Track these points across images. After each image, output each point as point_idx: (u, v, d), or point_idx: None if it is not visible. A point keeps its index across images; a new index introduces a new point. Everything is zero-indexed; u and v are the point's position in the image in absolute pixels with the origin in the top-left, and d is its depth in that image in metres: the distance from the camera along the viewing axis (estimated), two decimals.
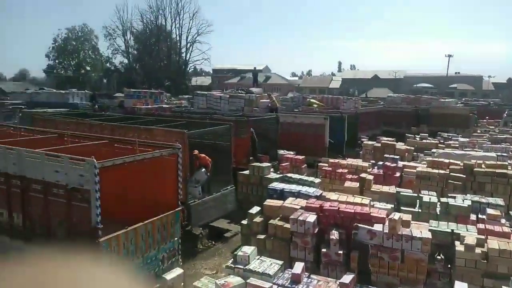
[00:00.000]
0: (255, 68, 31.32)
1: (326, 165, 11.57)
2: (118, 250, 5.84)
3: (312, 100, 22.84)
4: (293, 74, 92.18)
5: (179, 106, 23.93)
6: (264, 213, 7.70)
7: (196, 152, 9.16)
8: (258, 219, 7.60)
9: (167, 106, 22.44)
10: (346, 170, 10.88)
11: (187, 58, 62.81)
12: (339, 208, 6.97)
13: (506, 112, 26.88)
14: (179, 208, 7.16)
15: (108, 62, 65.21)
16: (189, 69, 66.05)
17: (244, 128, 12.34)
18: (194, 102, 22.02)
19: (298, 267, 5.58)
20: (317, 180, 9.55)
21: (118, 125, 10.81)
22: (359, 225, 6.43)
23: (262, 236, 7.21)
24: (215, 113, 16.79)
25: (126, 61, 63.36)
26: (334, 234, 6.55)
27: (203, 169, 9.14)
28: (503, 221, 6.95)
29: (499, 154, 12.23)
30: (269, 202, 7.83)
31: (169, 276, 5.86)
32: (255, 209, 7.87)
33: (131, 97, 21.19)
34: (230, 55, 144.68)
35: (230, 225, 10.15)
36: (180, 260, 7.16)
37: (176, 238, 6.97)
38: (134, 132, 9.68)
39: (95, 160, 5.60)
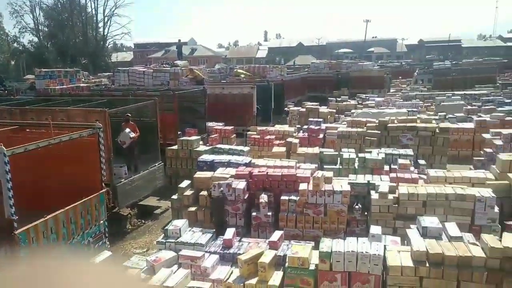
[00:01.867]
0: (179, 40, 30.03)
1: (255, 133, 11.81)
2: (37, 240, 5.52)
3: (239, 71, 22.78)
4: (220, 46, 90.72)
5: (98, 85, 22.50)
6: (195, 185, 7.68)
7: (129, 115, 9.31)
8: (188, 192, 7.57)
9: (85, 85, 21.01)
10: (273, 136, 11.20)
11: (105, 33, 58.69)
12: (267, 172, 7.19)
13: (417, 71, 29.25)
14: (103, 190, 6.91)
15: (16, 42, 58.82)
16: (108, 44, 61.93)
17: (171, 103, 12.03)
18: (115, 79, 20.84)
19: (229, 232, 5.74)
20: (246, 149, 9.64)
21: (29, 109, 9.98)
22: None
23: (193, 208, 7.23)
24: (138, 89, 16.08)
25: (36, 39, 57.59)
26: (263, 198, 6.78)
27: (128, 130, 8.96)
28: (412, 169, 7.68)
29: (409, 109, 13.34)
30: (199, 174, 7.80)
31: (96, 260, 5.65)
32: (185, 183, 7.82)
33: (43, 77, 19.39)
34: (154, 28, 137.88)
35: (160, 201, 9.99)
36: (108, 243, 6.97)
37: (102, 221, 6.75)
38: (48, 114, 8.99)
39: (3, 148, 5.24)
